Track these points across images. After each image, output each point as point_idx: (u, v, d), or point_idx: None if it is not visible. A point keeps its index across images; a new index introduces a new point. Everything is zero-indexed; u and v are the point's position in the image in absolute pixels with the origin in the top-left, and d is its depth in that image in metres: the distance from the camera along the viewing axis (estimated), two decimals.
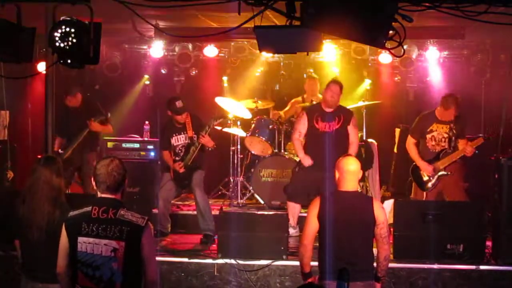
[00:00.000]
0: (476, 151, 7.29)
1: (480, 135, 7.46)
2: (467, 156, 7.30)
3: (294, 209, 7.46)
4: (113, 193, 3.95)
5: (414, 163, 7.52)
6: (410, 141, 7.57)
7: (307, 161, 7.33)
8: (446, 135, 7.38)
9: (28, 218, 4.60)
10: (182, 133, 7.60)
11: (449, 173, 7.33)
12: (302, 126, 7.47)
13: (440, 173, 7.35)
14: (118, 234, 3.84)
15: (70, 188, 7.77)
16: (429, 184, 7.41)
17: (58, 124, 7.67)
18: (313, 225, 4.82)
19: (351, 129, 7.37)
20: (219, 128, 8.53)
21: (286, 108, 9.55)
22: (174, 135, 7.62)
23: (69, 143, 7.84)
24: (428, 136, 7.43)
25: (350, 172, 4.81)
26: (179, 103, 7.47)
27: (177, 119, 7.55)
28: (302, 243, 4.92)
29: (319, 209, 4.80)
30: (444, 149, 7.37)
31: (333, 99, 7.29)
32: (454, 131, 7.35)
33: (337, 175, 4.87)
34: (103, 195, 3.95)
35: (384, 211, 4.87)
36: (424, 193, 7.49)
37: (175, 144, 7.62)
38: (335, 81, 7.45)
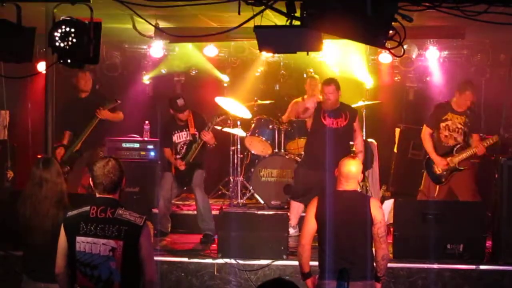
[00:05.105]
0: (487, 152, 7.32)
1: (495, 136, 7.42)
2: (477, 155, 7.31)
3: (297, 209, 7.45)
4: (111, 193, 3.96)
5: (428, 156, 7.50)
6: (426, 132, 7.50)
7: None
8: (460, 126, 7.35)
9: (31, 220, 4.56)
10: (184, 130, 7.60)
11: (464, 168, 7.32)
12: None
13: (454, 167, 7.33)
14: (116, 234, 3.84)
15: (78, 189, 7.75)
16: (443, 179, 7.41)
17: (66, 117, 7.66)
18: (311, 225, 4.85)
19: (357, 125, 7.44)
20: (219, 128, 8.53)
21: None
22: (176, 132, 7.61)
23: (77, 136, 7.72)
24: (442, 124, 7.40)
25: (349, 175, 4.84)
26: (180, 101, 7.47)
27: (179, 117, 7.55)
28: (300, 243, 4.96)
29: (316, 209, 4.83)
30: (458, 143, 7.35)
31: (331, 99, 7.23)
32: (469, 124, 7.35)
33: (337, 174, 4.91)
34: (101, 195, 3.96)
35: (381, 210, 4.88)
36: (437, 187, 7.47)
37: (176, 141, 7.61)
38: (327, 82, 7.37)
